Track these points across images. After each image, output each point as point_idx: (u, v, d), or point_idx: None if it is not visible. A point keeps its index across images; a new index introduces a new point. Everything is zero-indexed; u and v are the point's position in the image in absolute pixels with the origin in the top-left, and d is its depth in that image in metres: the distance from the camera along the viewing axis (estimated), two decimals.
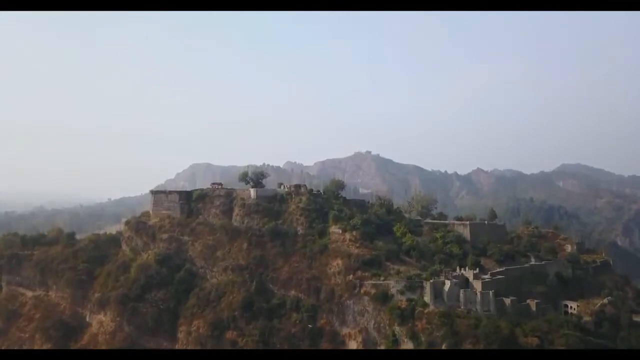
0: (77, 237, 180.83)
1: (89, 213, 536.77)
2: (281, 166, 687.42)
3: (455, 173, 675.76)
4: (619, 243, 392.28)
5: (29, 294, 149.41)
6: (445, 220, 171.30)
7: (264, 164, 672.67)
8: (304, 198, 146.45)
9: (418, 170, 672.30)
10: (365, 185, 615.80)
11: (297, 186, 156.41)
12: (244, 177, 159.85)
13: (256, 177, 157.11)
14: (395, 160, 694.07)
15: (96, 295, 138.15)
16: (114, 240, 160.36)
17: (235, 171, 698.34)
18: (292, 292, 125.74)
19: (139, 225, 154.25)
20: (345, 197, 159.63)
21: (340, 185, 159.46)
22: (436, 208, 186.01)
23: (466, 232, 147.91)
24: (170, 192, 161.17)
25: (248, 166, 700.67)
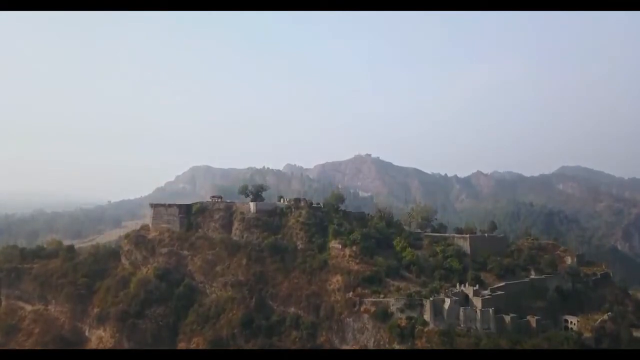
0: (77, 242, 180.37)
1: (88, 216, 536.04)
2: (281, 169, 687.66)
3: (455, 176, 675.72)
4: (619, 248, 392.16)
5: (28, 308, 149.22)
6: (446, 231, 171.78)
7: (264, 167, 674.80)
8: (303, 212, 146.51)
9: (418, 173, 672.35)
10: (365, 188, 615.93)
11: (297, 200, 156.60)
12: (244, 190, 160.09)
13: (256, 190, 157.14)
14: (395, 163, 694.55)
15: (95, 310, 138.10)
16: (114, 254, 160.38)
17: (235, 174, 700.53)
18: (292, 309, 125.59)
19: (139, 239, 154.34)
20: (345, 210, 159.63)
21: (340, 199, 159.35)
22: (436, 219, 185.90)
23: (466, 246, 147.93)
24: (170, 206, 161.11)
25: (248, 168, 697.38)
